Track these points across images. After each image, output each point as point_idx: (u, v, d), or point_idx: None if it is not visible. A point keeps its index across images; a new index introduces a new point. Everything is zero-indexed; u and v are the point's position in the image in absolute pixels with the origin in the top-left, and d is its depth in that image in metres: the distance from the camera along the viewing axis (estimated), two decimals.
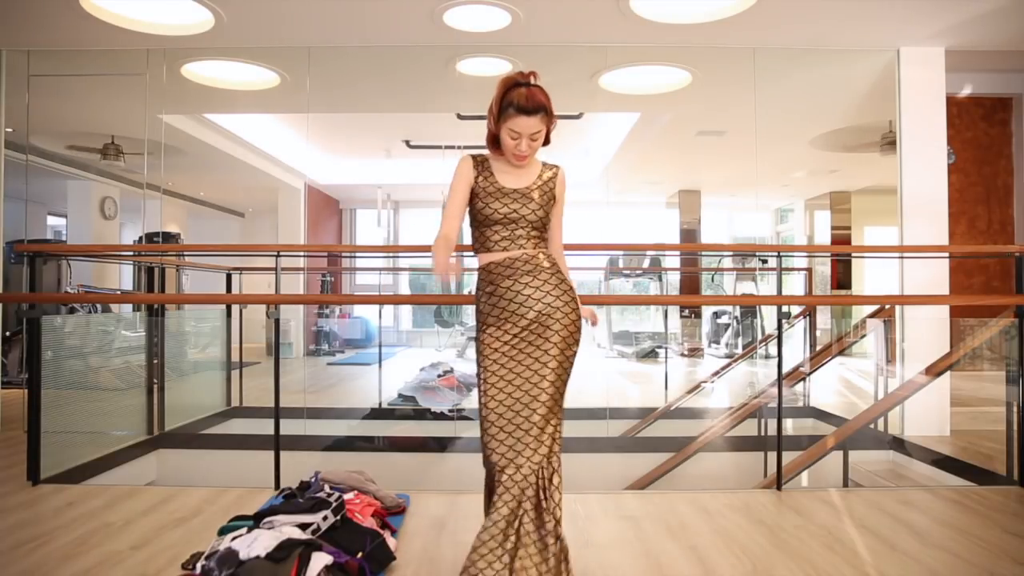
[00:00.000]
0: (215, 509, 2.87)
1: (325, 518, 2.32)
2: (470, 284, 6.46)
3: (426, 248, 2.82)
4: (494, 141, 2.09)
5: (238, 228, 10.40)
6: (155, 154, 5.10)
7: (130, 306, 6.91)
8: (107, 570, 2.26)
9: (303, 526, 2.25)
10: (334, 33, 4.33)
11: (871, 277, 7.42)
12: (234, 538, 2.11)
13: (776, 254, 4.47)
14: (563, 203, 2.18)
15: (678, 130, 6.50)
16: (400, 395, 5.78)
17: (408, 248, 7.22)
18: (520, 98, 1.98)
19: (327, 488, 2.62)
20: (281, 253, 3.54)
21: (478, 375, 2.03)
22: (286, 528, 2.20)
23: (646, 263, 8.37)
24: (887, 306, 4.60)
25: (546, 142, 2.10)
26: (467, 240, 2.32)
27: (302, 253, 6.10)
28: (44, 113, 5.23)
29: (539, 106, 1.98)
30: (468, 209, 2.11)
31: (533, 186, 2.09)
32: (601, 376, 8.08)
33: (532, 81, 2.04)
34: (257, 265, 5.75)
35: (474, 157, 2.12)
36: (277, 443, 3.22)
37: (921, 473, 4.02)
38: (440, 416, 5.32)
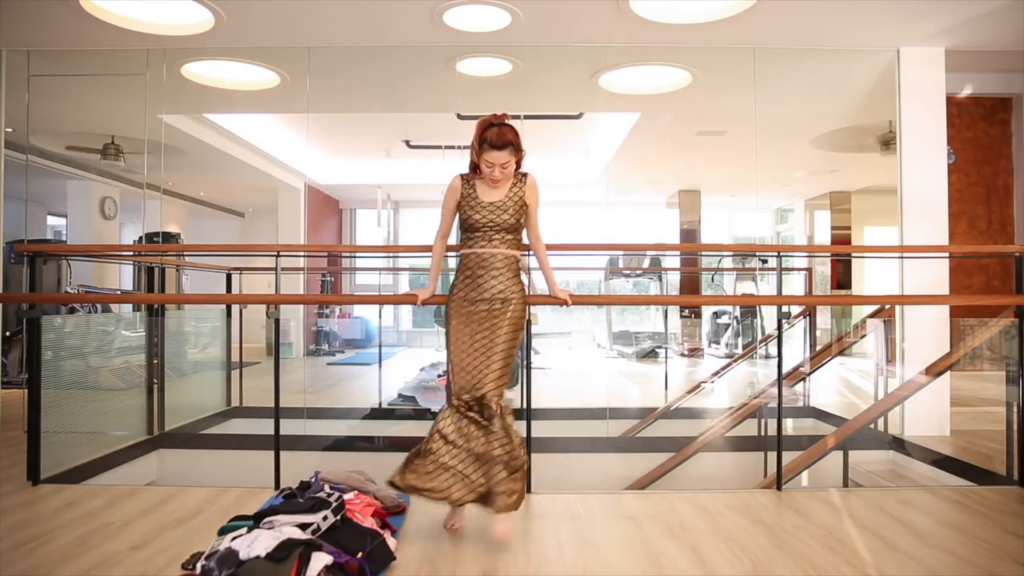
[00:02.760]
0: (215, 509, 2.87)
1: (325, 518, 2.32)
2: None
3: (425, 248, 2.90)
4: (475, 168, 2.65)
5: (238, 228, 10.41)
6: (155, 154, 5.10)
7: (130, 306, 6.91)
8: (107, 570, 2.26)
9: (303, 526, 2.25)
10: (334, 33, 4.33)
11: (871, 277, 7.42)
12: (234, 538, 2.10)
13: (776, 254, 4.46)
14: (536, 204, 2.73)
15: (678, 130, 6.50)
16: (400, 395, 5.78)
17: (408, 248, 7.21)
18: (492, 136, 2.54)
19: (327, 488, 2.62)
20: (281, 253, 3.54)
21: (447, 335, 2.69)
22: (286, 528, 2.20)
23: (646, 263, 8.37)
24: (887, 306, 4.60)
25: (517, 168, 2.65)
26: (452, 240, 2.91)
27: (302, 253, 6.09)
28: (44, 113, 5.22)
29: (507, 142, 2.54)
30: (458, 215, 2.70)
31: (506, 199, 2.63)
32: (601, 376, 8.09)
33: (504, 122, 2.59)
34: (257, 265, 5.75)
35: (462, 176, 2.70)
36: (277, 443, 3.22)
37: (921, 473, 4.02)
38: None
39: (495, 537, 2.51)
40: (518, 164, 2.66)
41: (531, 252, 2.88)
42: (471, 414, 2.59)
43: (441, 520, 2.74)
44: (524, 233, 2.75)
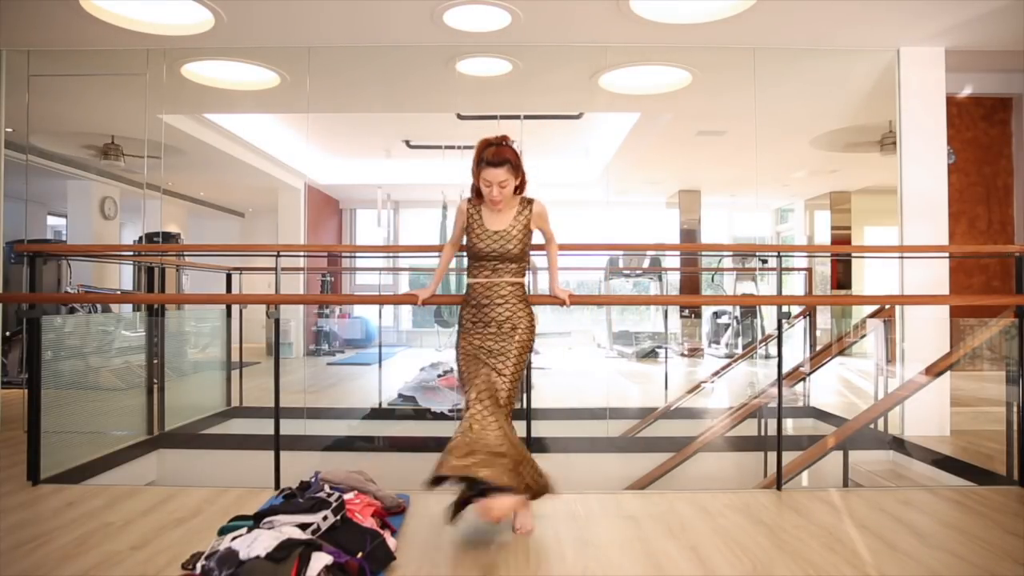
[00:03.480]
0: (215, 509, 2.87)
1: (325, 518, 2.32)
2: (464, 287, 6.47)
3: (425, 248, 2.90)
4: (477, 192, 2.63)
5: (238, 228, 10.41)
6: (155, 154, 5.10)
7: (130, 306, 6.91)
8: (107, 570, 2.26)
9: (303, 526, 2.25)
10: (334, 33, 4.33)
11: (871, 277, 7.42)
12: (234, 538, 2.11)
13: (776, 254, 4.46)
14: (548, 224, 2.74)
15: (678, 130, 6.50)
16: (400, 395, 5.78)
17: (408, 248, 7.22)
18: (489, 155, 2.53)
19: (327, 488, 2.62)
20: (281, 253, 3.54)
21: (457, 356, 2.70)
22: (286, 528, 2.20)
23: (646, 263, 8.37)
24: (887, 306, 4.60)
25: (520, 190, 2.65)
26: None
27: (302, 253, 6.09)
28: (44, 113, 5.22)
29: (504, 159, 2.52)
30: (465, 241, 2.69)
31: (512, 228, 2.62)
32: (601, 376, 8.09)
33: (503, 142, 2.57)
34: (257, 265, 5.75)
35: (469, 200, 2.70)
36: (277, 443, 3.22)
37: (921, 473, 4.02)
38: (440, 416, 5.32)
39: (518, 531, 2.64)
40: (521, 188, 2.64)
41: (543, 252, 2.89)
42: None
43: (440, 520, 2.74)
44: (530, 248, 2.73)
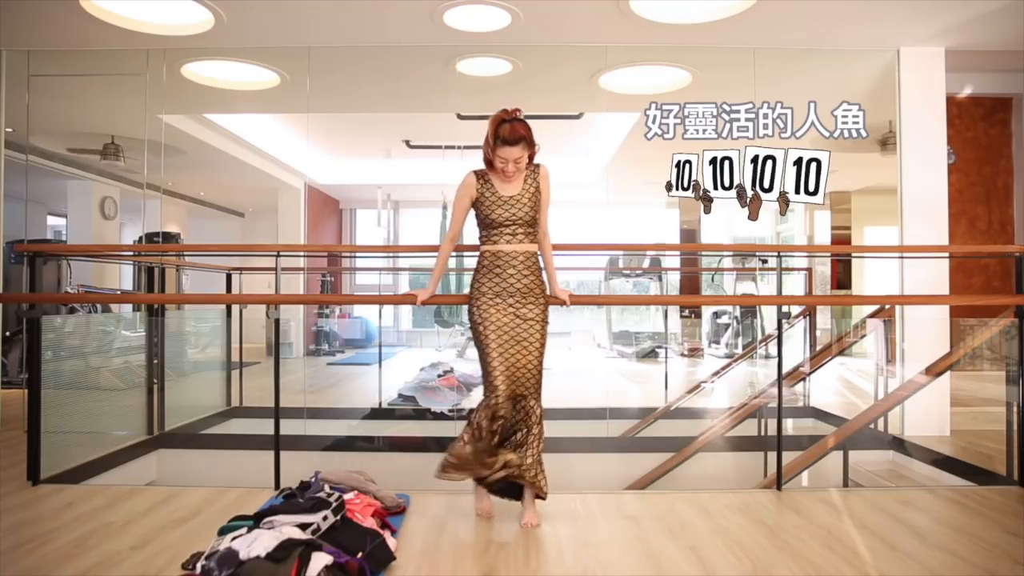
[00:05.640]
0: (215, 509, 2.87)
1: (325, 518, 2.32)
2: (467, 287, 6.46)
3: (425, 248, 2.89)
4: (490, 164, 2.69)
5: (238, 228, 10.42)
6: (155, 154, 5.10)
7: (130, 306, 6.91)
8: (107, 570, 2.26)
9: (303, 526, 2.25)
10: (334, 33, 4.33)
11: (871, 277, 7.41)
12: (234, 538, 2.10)
13: (776, 254, 4.46)
14: (548, 194, 2.78)
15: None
16: (400, 395, 5.78)
17: (408, 248, 7.23)
18: (505, 132, 2.60)
19: (327, 488, 2.62)
20: (281, 253, 3.54)
21: (476, 332, 2.67)
22: (286, 528, 2.20)
23: (646, 263, 8.37)
24: (887, 306, 4.61)
25: (530, 161, 2.71)
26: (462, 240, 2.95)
27: (302, 253, 6.10)
28: (44, 113, 5.23)
29: (520, 138, 2.60)
30: (475, 214, 2.72)
31: (524, 192, 2.69)
32: (601, 376, 8.09)
33: (516, 117, 2.64)
34: (257, 265, 5.75)
35: (476, 173, 2.72)
36: (277, 443, 3.22)
37: (921, 473, 4.02)
38: (440, 416, 5.32)
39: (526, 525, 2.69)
40: (531, 157, 2.70)
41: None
42: (502, 416, 2.64)
43: (441, 520, 2.74)
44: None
